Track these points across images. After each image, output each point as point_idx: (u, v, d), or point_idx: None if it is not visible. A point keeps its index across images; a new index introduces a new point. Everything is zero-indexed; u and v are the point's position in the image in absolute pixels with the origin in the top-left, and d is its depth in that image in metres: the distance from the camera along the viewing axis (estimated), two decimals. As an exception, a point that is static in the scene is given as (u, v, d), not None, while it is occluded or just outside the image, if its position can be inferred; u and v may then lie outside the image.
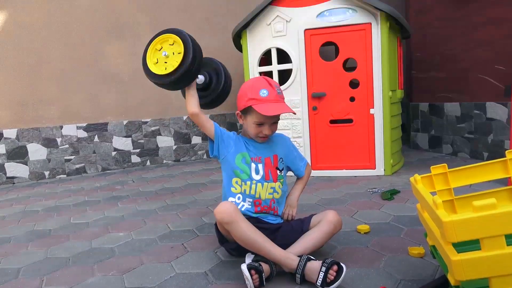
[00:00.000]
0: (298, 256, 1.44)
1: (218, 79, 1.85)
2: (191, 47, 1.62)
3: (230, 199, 1.65)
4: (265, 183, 1.63)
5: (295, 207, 1.77)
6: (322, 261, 1.38)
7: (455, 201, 1.34)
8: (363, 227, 1.88)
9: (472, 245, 1.17)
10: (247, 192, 1.63)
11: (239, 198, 1.64)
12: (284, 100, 1.63)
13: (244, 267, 1.37)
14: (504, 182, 2.25)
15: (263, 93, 1.56)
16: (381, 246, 1.70)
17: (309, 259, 1.41)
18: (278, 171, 1.68)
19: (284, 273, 1.48)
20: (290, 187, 1.81)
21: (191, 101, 1.67)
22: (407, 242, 1.73)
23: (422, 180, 1.29)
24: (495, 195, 1.31)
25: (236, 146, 1.66)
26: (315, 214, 1.65)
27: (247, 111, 1.61)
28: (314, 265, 1.38)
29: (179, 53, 1.64)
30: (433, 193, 1.30)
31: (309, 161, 3.18)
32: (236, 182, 1.64)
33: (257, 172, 1.64)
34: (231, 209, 1.45)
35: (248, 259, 1.50)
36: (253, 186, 1.62)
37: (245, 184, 1.63)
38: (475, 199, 1.32)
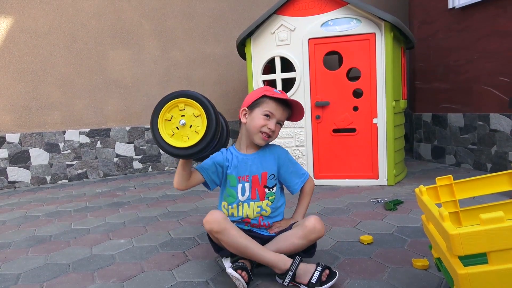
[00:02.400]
0: (291, 258, 1.46)
1: (220, 140, 1.63)
2: (210, 137, 1.42)
3: None
4: (251, 203, 1.62)
5: (286, 226, 1.65)
6: (316, 264, 1.43)
7: (460, 213, 1.33)
8: (366, 238, 1.86)
9: (478, 257, 1.15)
10: (235, 215, 1.64)
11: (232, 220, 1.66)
12: None
13: (230, 270, 1.41)
14: (508, 194, 2.24)
15: (276, 91, 1.62)
16: (385, 257, 1.68)
17: (301, 261, 1.45)
18: (266, 189, 1.63)
19: (269, 274, 1.53)
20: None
21: (182, 179, 1.55)
22: (411, 253, 1.71)
23: (427, 191, 1.28)
24: (501, 207, 1.30)
25: (224, 169, 1.63)
26: (296, 222, 1.64)
27: (256, 103, 1.59)
28: (308, 267, 1.42)
29: (196, 116, 1.44)
30: (438, 205, 1.29)
31: (311, 170, 3.17)
32: (224, 206, 1.66)
33: (243, 193, 1.62)
34: (220, 218, 1.46)
35: (227, 262, 1.53)
36: (240, 207, 1.62)
37: (232, 207, 1.63)
38: (480, 211, 1.31)
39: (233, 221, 1.63)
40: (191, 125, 1.44)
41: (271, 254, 1.46)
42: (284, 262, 1.44)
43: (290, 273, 1.41)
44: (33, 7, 3.77)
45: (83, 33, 3.98)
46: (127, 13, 4.15)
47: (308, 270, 1.41)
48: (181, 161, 1.53)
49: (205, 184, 1.64)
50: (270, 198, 1.63)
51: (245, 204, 1.62)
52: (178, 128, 1.45)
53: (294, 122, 3.15)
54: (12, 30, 3.72)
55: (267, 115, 1.58)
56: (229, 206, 1.64)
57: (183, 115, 1.45)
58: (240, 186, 1.62)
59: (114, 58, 4.12)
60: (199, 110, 1.43)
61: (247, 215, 1.62)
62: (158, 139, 1.45)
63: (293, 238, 1.51)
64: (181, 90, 1.47)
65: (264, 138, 1.59)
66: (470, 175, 3.22)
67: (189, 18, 4.41)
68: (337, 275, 1.41)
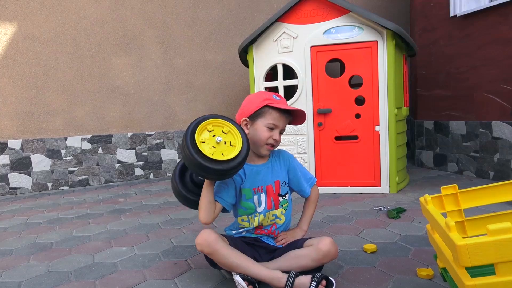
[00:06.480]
0: (286, 273, 1.42)
1: None
2: (246, 147, 1.46)
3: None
4: (267, 213, 1.61)
5: (293, 238, 1.67)
6: (312, 276, 1.38)
7: (466, 222, 1.32)
8: (370, 247, 1.85)
9: (485, 268, 1.14)
10: (252, 226, 1.62)
11: (243, 230, 1.65)
12: None
13: (238, 277, 1.42)
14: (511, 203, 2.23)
15: (276, 97, 1.57)
16: (389, 266, 1.67)
17: (297, 275, 1.40)
18: (280, 198, 1.62)
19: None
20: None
21: (209, 211, 1.52)
22: (415, 262, 1.70)
23: (432, 200, 1.27)
24: (507, 217, 1.29)
25: (237, 186, 1.60)
26: (310, 238, 1.59)
27: (258, 114, 1.55)
28: (303, 281, 1.38)
29: (231, 146, 1.46)
30: (443, 214, 1.28)
31: (313, 177, 3.16)
32: (243, 220, 1.64)
33: (260, 204, 1.60)
34: (210, 239, 1.46)
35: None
36: (256, 218, 1.61)
37: (252, 218, 1.62)
38: (486, 221, 1.30)
39: (243, 230, 1.63)
40: (225, 142, 1.46)
41: (265, 272, 1.44)
42: (279, 280, 1.41)
43: None
44: (37, 13, 3.79)
45: (85, 39, 3.99)
46: (130, 20, 4.17)
47: (303, 284, 1.37)
48: (204, 191, 1.50)
49: (223, 209, 1.60)
50: (284, 205, 1.63)
51: (261, 215, 1.60)
52: (214, 148, 1.44)
53: (296, 129, 3.15)
54: (15, 37, 3.74)
55: (271, 128, 1.55)
56: (249, 217, 1.61)
57: (214, 135, 1.46)
58: (256, 197, 1.59)
59: (116, 65, 4.14)
60: (227, 125, 1.47)
61: (261, 223, 1.62)
62: (201, 159, 1.39)
63: (306, 260, 1.48)
64: (201, 116, 1.49)
65: (269, 148, 1.59)
66: (472, 183, 3.21)
67: (192, 25, 4.43)
68: (334, 284, 1.38)
